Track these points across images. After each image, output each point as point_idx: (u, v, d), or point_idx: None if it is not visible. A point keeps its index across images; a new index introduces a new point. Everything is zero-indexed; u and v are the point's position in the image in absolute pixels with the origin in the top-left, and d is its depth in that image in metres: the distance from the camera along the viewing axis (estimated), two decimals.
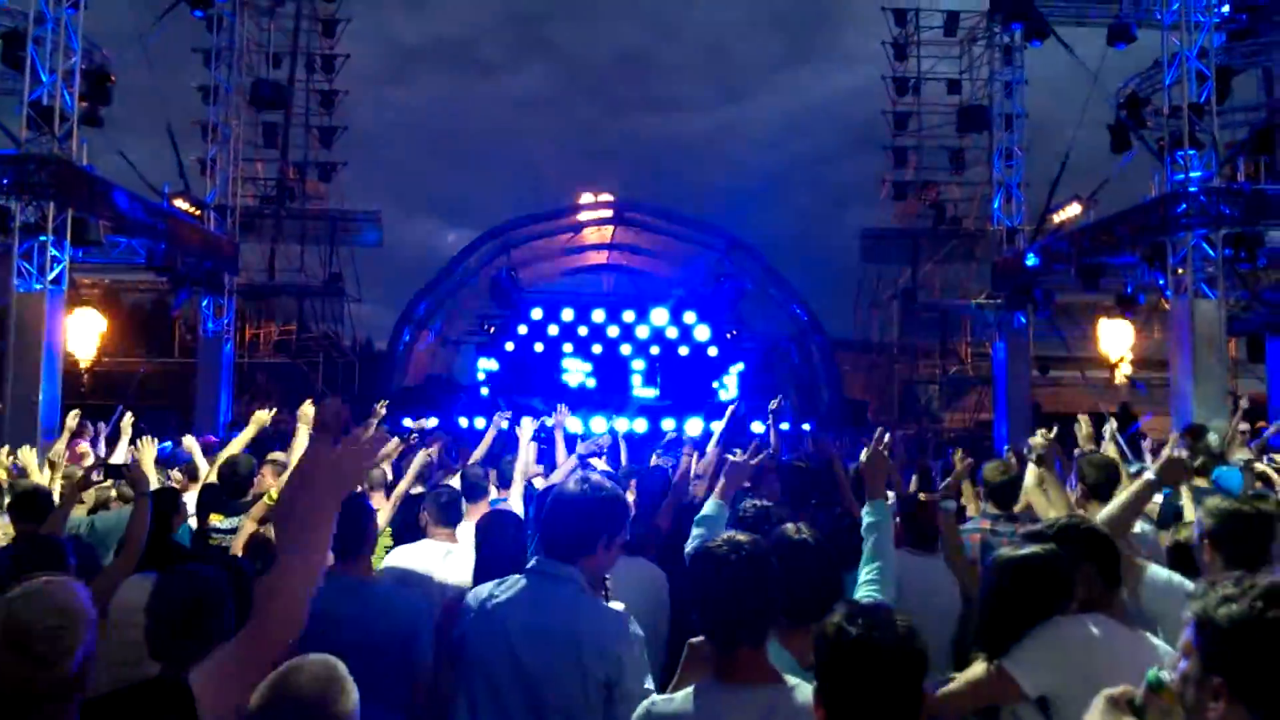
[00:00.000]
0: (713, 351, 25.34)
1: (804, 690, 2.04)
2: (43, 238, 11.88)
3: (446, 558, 3.95)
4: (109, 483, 5.66)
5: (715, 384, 24.57)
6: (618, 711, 2.28)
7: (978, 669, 2.54)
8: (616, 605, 2.53)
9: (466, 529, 4.20)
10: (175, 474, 6.50)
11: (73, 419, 6.70)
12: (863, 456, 3.27)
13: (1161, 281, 13.29)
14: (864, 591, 2.71)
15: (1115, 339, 17.91)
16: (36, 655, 1.55)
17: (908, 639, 1.69)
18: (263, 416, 5.87)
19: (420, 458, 5.65)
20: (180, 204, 16.11)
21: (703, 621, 2.15)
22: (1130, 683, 2.20)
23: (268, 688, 1.65)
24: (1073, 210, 16.86)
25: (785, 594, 2.20)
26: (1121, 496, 3.25)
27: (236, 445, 5.68)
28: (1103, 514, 3.16)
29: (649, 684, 2.37)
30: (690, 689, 2.16)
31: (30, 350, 11.69)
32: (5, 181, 11.61)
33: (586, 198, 24.38)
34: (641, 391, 24.67)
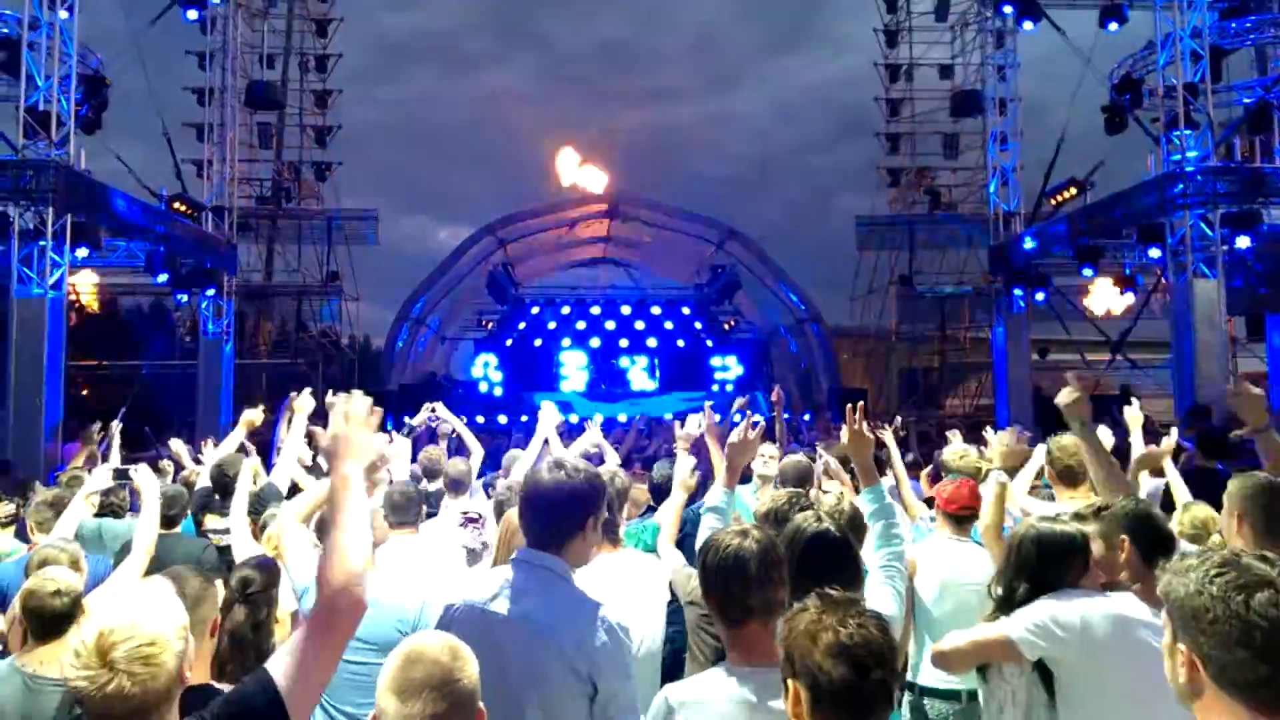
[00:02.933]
0: (710, 342, 25.43)
1: None
2: (42, 242, 11.86)
3: (414, 555, 3.88)
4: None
5: (714, 375, 24.67)
6: (605, 715, 2.23)
7: (983, 625, 2.66)
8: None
9: (436, 526, 4.19)
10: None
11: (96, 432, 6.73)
12: (843, 437, 3.17)
13: (1160, 262, 13.35)
14: (879, 582, 2.72)
15: (1107, 300, 17.92)
16: (135, 676, 1.63)
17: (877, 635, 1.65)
18: (253, 417, 5.80)
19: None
20: (178, 206, 16.08)
21: (718, 608, 2.18)
22: (1144, 664, 2.25)
23: (400, 658, 1.68)
24: (1069, 194, 16.89)
25: (799, 580, 2.20)
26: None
27: (229, 445, 5.72)
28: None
29: (631, 684, 2.30)
30: (705, 673, 2.21)
31: (32, 354, 11.67)
32: (4, 187, 11.58)
33: (574, 177, 24.22)
34: (640, 384, 24.74)
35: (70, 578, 3.00)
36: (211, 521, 5.21)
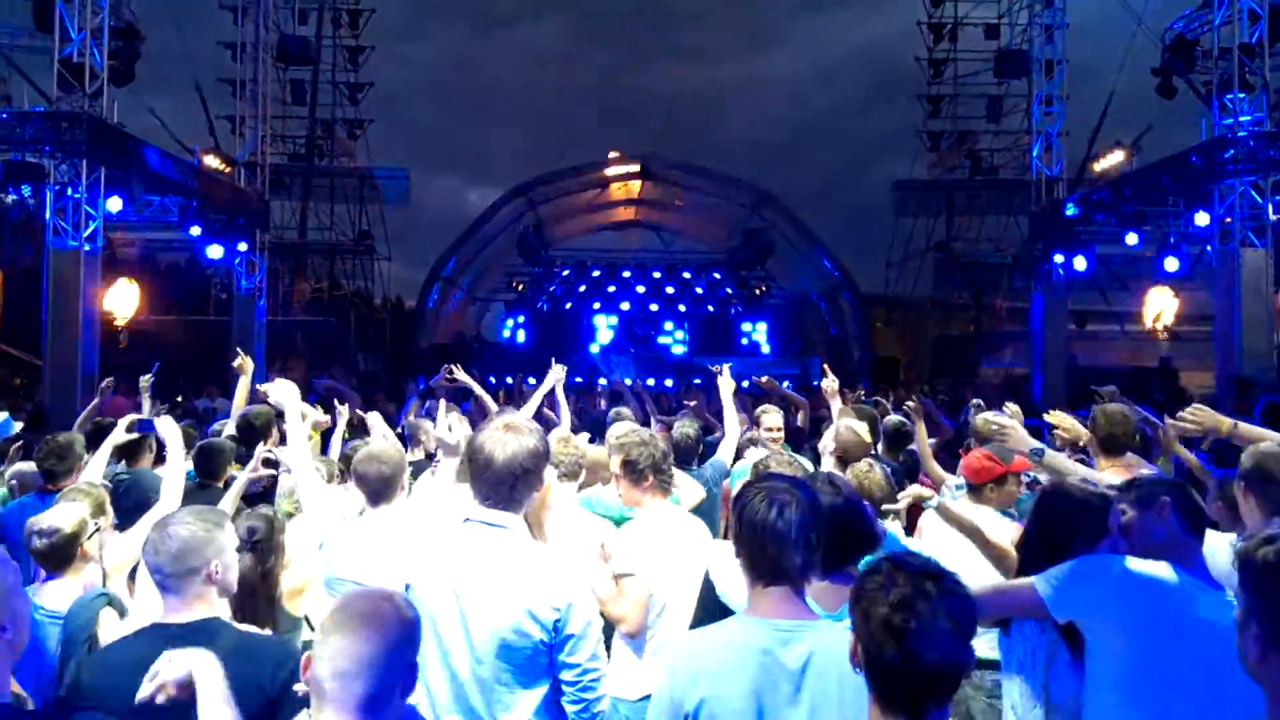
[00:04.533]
0: (740, 308, 25.24)
1: (839, 631, 2.03)
2: (76, 194, 11.97)
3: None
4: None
5: (744, 340, 24.52)
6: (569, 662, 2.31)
7: (1014, 579, 2.60)
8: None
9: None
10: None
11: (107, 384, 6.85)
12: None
13: (1207, 230, 12.91)
14: None
15: (1160, 304, 17.54)
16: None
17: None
18: (240, 364, 6.13)
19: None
20: (211, 161, 16.15)
21: (748, 564, 2.14)
22: (1180, 633, 2.18)
23: (339, 601, 1.74)
24: (1115, 158, 16.39)
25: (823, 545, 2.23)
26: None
27: (239, 401, 5.87)
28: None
29: (594, 630, 2.38)
30: (719, 623, 2.19)
31: (67, 308, 11.84)
32: (38, 138, 11.67)
33: (612, 154, 24.10)
34: (671, 348, 24.66)
35: (61, 519, 3.01)
36: (235, 471, 5.24)
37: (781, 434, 5.57)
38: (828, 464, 4.50)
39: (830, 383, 5.12)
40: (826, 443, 4.76)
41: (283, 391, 3.65)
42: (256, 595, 2.90)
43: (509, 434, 2.43)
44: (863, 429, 4.49)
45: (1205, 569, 2.44)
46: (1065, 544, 2.53)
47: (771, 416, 5.61)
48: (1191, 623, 2.24)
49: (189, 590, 2.28)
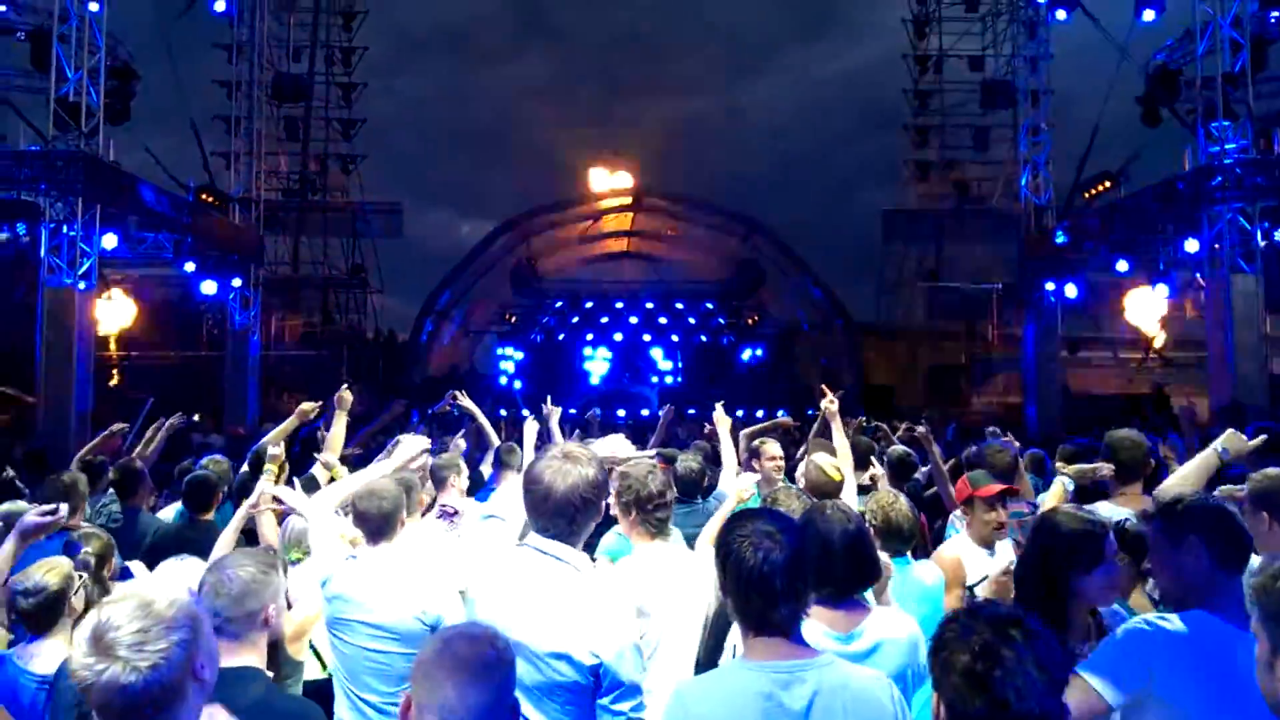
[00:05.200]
0: (733, 338, 25.34)
1: (840, 666, 2.04)
2: (71, 232, 11.97)
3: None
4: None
5: (736, 369, 24.58)
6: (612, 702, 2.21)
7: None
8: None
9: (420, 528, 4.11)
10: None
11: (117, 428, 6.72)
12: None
13: (1196, 257, 13.05)
14: None
15: (1145, 309, 17.60)
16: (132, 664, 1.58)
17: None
18: (308, 408, 5.60)
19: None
20: (205, 198, 16.19)
21: (736, 613, 2.11)
22: (1224, 691, 2.03)
23: (443, 644, 1.67)
24: (1102, 186, 16.57)
25: (820, 576, 2.26)
26: (1187, 469, 3.17)
27: (279, 434, 5.66)
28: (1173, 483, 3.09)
29: (640, 673, 2.27)
30: (720, 668, 2.19)
31: (62, 344, 11.80)
32: (34, 177, 11.70)
33: (598, 175, 24.24)
34: (664, 379, 24.70)
35: (47, 576, 2.83)
36: None
37: (783, 463, 5.50)
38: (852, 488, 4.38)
39: (830, 403, 4.86)
40: (799, 479, 4.60)
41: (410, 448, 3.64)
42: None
43: (569, 463, 2.35)
44: (832, 466, 4.23)
45: (1239, 605, 2.26)
46: (1059, 572, 2.45)
47: (772, 446, 5.53)
48: (1233, 677, 2.11)
49: (246, 634, 2.25)
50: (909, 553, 3.38)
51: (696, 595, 3.23)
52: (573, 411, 16.63)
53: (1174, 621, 2.24)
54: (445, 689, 1.58)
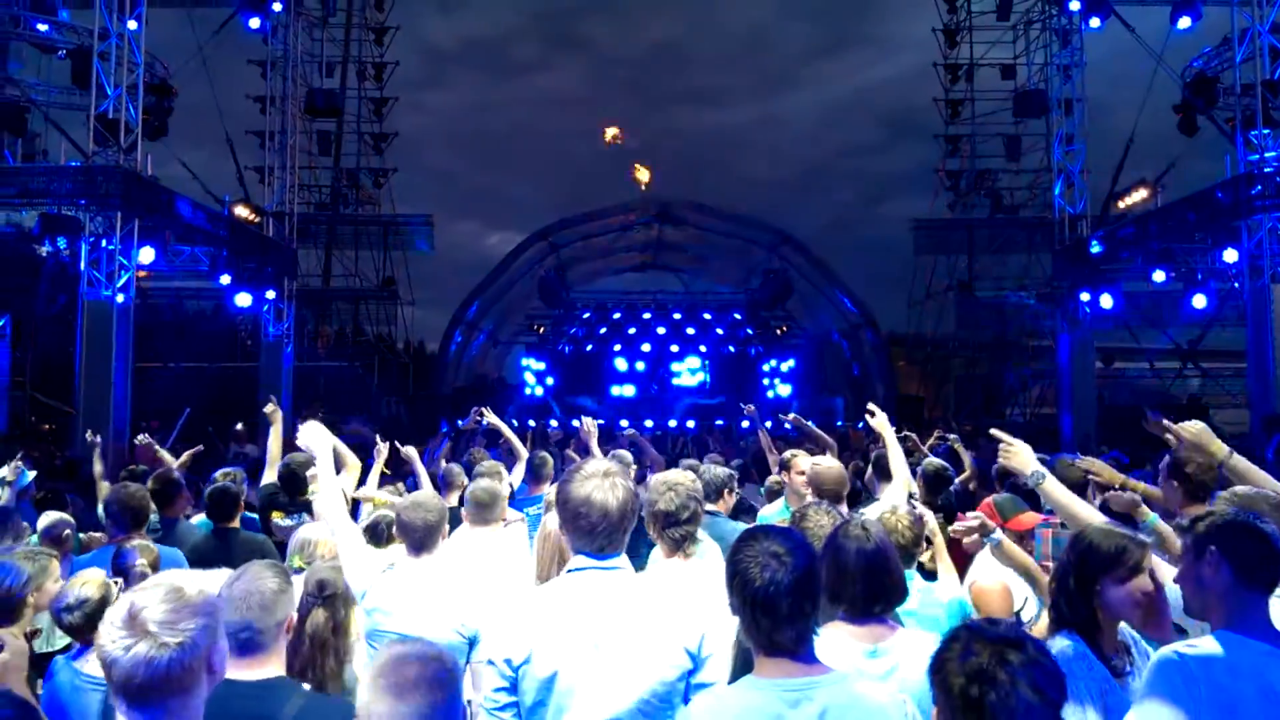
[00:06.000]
0: (761, 348, 25.21)
1: (850, 684, 2.02)
2: (110, 246, 12.20)
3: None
4: None
5: (765, 382, 24.43)
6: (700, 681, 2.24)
7: None
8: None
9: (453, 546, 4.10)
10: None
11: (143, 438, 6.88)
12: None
13: (1236, 266, 12.81)
14: None
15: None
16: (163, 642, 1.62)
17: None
18: (269, 410, 5.97)
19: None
20: (240, 212, 16.43)
21: (746, 632, 2.10)
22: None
23: (391, 659, 1.74)
24: (1138, 196, 16.33)
25: (837, 594, 2.39)
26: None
27: (273, 447, 5.81)
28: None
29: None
30: (732, 684, 2.15)
31: (100, 358, 12.01)
32: (74, 192, 11.95)
33: (627, 186, 24.34)
34: (692, 390, 24.62)
35: (86, 589, 2.96)
36: (279, 519, 5.24)
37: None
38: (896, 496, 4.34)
39: (880, 420, 4.69)
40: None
41: (313, 435, 3.35)
42: (328, 650, 2.85)
43: (608, 480, 2.33)
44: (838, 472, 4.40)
45: (1265, 623, 2.21)
46: (1091, 582, 2.45)
47: (803, 460, 5.41)
48: (1271, 696, 2.08)
49: (274, 645, 2.25)
50: (915, 568, 3.35)
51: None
52: (601, 422, 16.65)
53: (1201, 645, 2.19)
54: (390, 704, 1.65)
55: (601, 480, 2.33)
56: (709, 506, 4.16)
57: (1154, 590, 2.43)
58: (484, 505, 4.34)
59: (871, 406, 4.70)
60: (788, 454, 5.80)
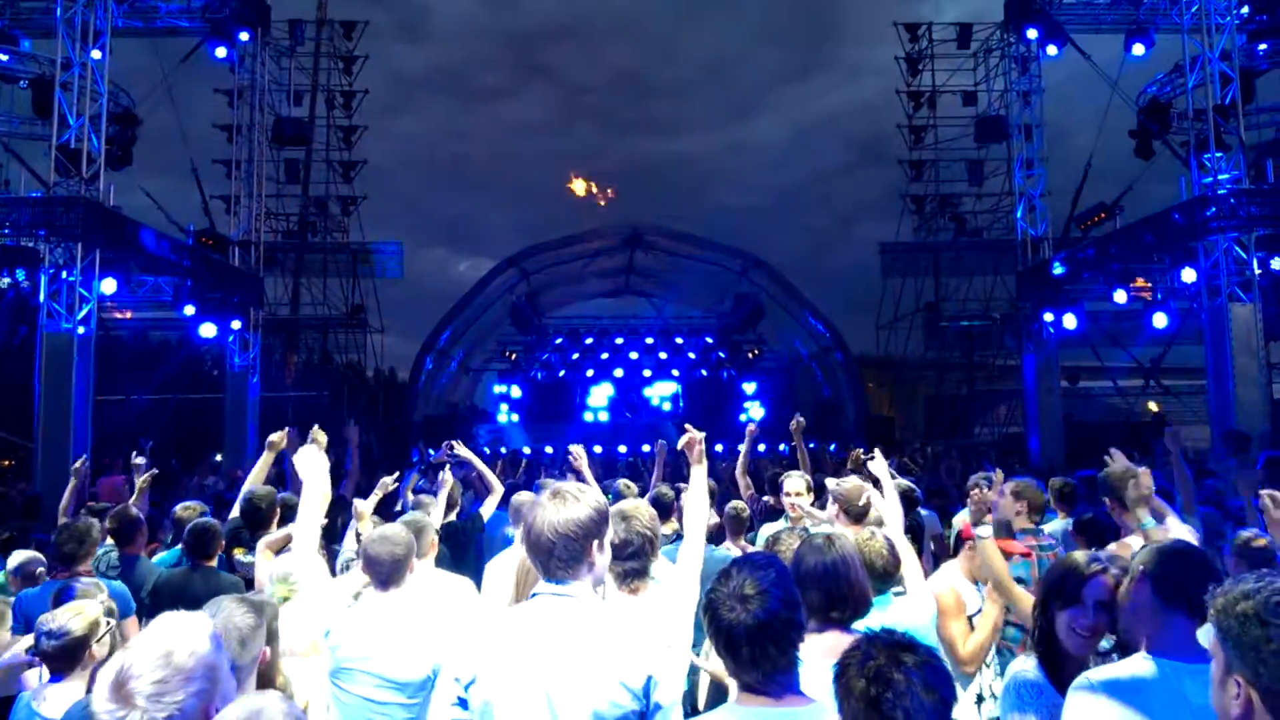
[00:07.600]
0: (734, 372, 25.31)
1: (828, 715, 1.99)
2: (70, 278, 12.01)
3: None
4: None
5: (740, 404, 24.50)
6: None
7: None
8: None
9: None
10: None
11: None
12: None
13: (1194, 286, 13.09)
14: None
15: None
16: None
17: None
18: (276, 439, 5.65)
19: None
20: (205, 241, 16.25)
21: (722, 659, 2.09)
22: None
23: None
24: (1098, 218, 16.67)
25: (816, 603, 2.41)
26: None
27: (256, 475, 5.59)
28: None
29: (678, 696, 2.23)
30: (712, 711, 2.15)
31: (60, 390, 11.77)
32: (34, 223, 11.75)
33: (596, 212, 24.45)
34: (665, 414, 24.61)
35: (73, 621, 2.92)
36: (240, 556, 5.13)
37: (807, 497, 5.21)
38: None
39: (879, 466, 4.10)
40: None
41: (309, 462, 3.23)
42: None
43: (556, 502, 2.27)
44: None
45: (1188, 643, 2.11)
46: (1046, 609, 2.54)
47: (794, 481, 5.30)
48: (1168, 711, 2.08)
49: (247, 681, 2.24)
50: (890, 591, 3.34)
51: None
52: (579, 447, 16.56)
53: (1116, 669, 2.21)
54: None
55: (549, 500, 2.28)
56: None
57: (1094, 622, 2.44)
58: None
59: (873, 453, 4.31)
60: (780, 474, 5.75)
